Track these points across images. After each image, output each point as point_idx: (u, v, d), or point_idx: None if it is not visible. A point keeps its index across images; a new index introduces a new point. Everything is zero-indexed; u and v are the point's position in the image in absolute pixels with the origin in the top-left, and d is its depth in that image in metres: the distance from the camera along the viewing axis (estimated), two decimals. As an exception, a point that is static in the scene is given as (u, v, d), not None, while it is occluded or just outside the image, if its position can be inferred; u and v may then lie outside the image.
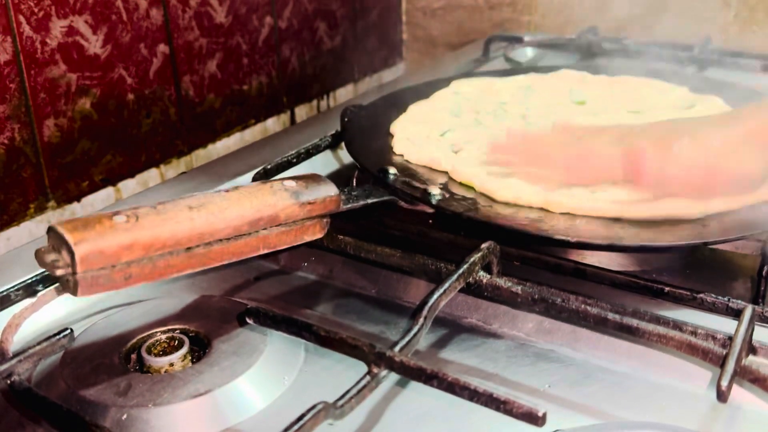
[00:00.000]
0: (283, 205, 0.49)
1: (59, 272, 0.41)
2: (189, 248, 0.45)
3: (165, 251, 0.44)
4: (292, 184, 0.50)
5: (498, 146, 0.65)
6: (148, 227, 0.43)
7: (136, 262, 0.43)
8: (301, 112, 1.06)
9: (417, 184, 0.61)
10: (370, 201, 0.58)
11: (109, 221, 0.42)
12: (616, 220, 0.57)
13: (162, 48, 0.85)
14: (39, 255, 0.42)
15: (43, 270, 0.56)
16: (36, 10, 0.72)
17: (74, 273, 0.41)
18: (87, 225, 0.42)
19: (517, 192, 0.60)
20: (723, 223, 0.56)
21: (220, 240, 0.46)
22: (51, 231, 0.42)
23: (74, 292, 0.42)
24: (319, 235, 0.52)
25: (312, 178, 0.52)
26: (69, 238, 0.41)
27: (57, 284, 0.50)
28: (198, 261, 0.46)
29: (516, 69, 0.94)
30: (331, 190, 0.52)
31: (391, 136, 0.71)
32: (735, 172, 0.54)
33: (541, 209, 0.59)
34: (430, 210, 0.61)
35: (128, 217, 0.43)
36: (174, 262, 0.45)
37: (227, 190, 0.48)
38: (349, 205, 0.55)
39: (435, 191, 0.60)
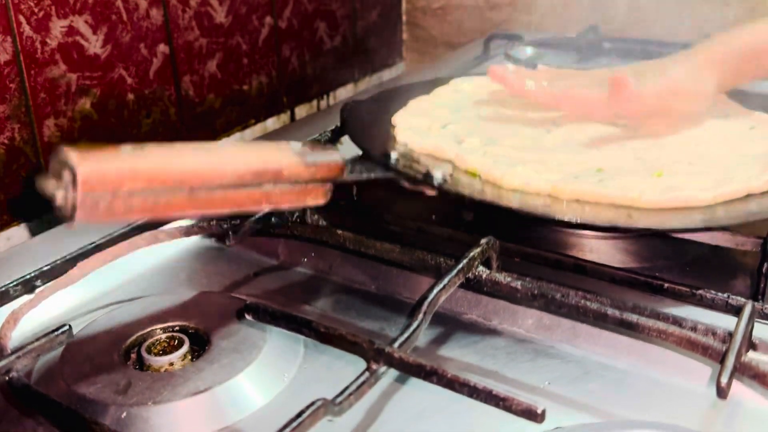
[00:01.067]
0: (288, 161, 0.48)
1: (59, 193, 0.40)
2: (192, 190, 0.44)
3: (168, 186, 0.43)
4: (298, 145, 0.50)
5: (497, 73, 0.72)
6: (154, 159, 0.43)
7: (138, 194, 0.42)
8: (301, 111, 1.06)
9: (420, 168, 0.61)
10: (373, 175, 0.58)
11: (115, 149, 0.42)
12: (625, 207, 0.56)
13: (162, 48, 0.85)
14: (39, 180, 0.41)
15: (42, 266, 0.56)
16: (36, 10, 0.72)
17: (74, 193, 0.40)
18: (92, 149, 0.41)
19: (524, 179, 0.59)
20: (731, 211, 0.56)
21: (224, 186, 0.46)
22: (56, 152, 0.41)
23: (71, 217, 0.40)
24: (321, 201, 0.52)
25: (318, 144, 0.52)
26: (72, 156, 0.39)
27: (56, 281, 0.50)
28: (200, 203, 0.45)
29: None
30: (336, 156, 0.52)
31: (393, 127, 0.71)
32: (692, 90, 0.67)
33: (549, 196, 0.58)
34: (433, 192, 0.60)
35: (134, 148, 0.42)
36: (176, 200, 0.44)
37: (234, 143, 0.48)
38: (353, 176, 0.55)
39: (438, 174, 0.60)
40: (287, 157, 0.48)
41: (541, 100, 0.71)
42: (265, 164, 0.47)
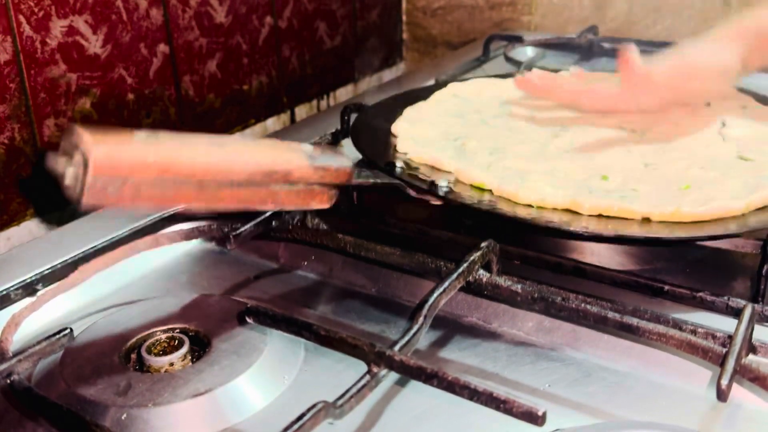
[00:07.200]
0: (298, 163, 0.48)
1: (69, 171, 0.39)
2: (201, 183, 0.44)
3: (177, 178, 0.43)
4: (309, 147, 0.50)
5: (522, 81, 0.71)
6: (167, 150, 0.42)
7: (148, 183, 0.42)
8: (301, 111, 1.06)
9: (424, 177, 0.61)
10: (379, 181, 0.58)
11: (129, 135, 0.41)
12: (646, 220, 0.55)
13: (162, 48, 0.85)
14: (50, 157, 0.40)
15: (43, 269, 0.56)
16: (36, 10, 0.72)
17: (84, 175, 0.39)
18: (107, 133, 0.40)
19: (540, 194, 0.58)
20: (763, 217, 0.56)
21: (232, 182, 0.46)
22: (68, 131, 0.40)
23: (79, 197, 0.40)
24: (325, 205, 0.52)
25: (329, 148, 0.52)
26: (87, 139, 0.39)
27: (57, 284, 0.49)
28: (207, 197, 0.45)
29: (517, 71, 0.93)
30: (345, 161, 0.52)
31: (394, 136, 0.71)
32: (709, 65, 0.62)
33: (566, 211, 0.57)
34: (438, 202, 0.60)
35: (148, 136, 0.42)
36: (184, 192, 0.44)
37: (247, 140, 0.48)
38: (359, 180, 0.55)
39: (443, 183, 0.59)
40: (297, 158, 0.49)
41: (562, 97, 0.70)
42: (275, 165, 0.47)
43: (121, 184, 0.40)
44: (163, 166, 0.42)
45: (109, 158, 0.40)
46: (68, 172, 0.39)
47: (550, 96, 0.71)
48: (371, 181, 0.57)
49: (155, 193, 0.42)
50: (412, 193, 0.61)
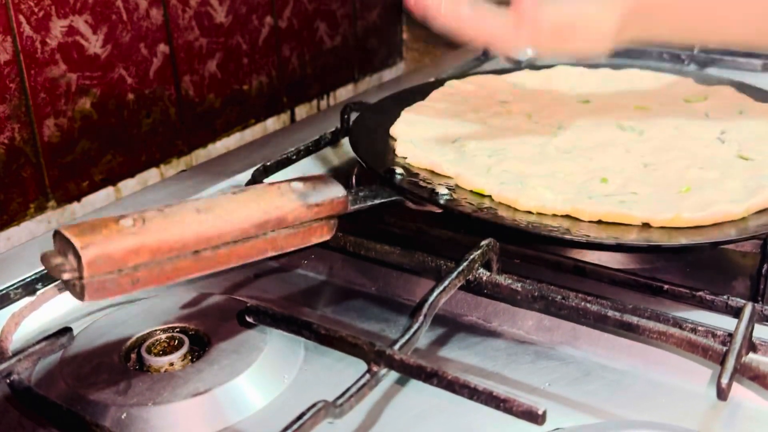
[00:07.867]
0: (290, 207, 0.48)
1: (66, 276, 0.41)
2: (196, 252, 0.45)
3: (172, 255, 0.44)
4: (299, 185, 0.49)
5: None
6: (155, 231, 0.43)
7: (143, 266, 0.43)
8: (301, 111, 1.06)
9: (424, 185, 0.61)
10: (377, 201, 0.57)
11: (116, 225, 0.42)
12: (646, 225, 0.55)
13: (162, 48, 0.85)
14: (45, 259, 0.42)
15: (43, 269, 0.56)
16: (36, 9, 0.72)
17: (81, 278, 0.41)
18: (94, 229, 0.41)
19: (540, 200, 0.57)
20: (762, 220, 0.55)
21: (228, 243, 0.46)
22: (57, 235, 0.42)
23: (81, 297, 0.41)
24: (327, 237, 0.52)
25: (319, 179, 0.51)
26: (76, 242, 0.40)
27: (58, 282, 0.50)
28: (205, 264, 0.46)
29: (515, 68, 0.93)
30: (338, 191, 0.51)
31: (394, 139, 0.70)
32: (589, 29, 0.63)
33: (566, 217, 0.56)
34: (439, 210, 0.60)
35: (135, 221, 0.43)
36: (181, 265, 0.44)
37: (234, 192, 0.48)
38: (357, 206, 0.55)
39: (443, 191, 0.59)
40: (289, 202, 0.48)
41: (449, 23, 0.65)
42: (267, 214, 0.47)
43: (117, 276, 0.42)
44: (154, 247, 0.43)
45: (100, 257, 0.41)
46: (65, 274, 0.41)
47: (438, 18, 0.65)
48: (368, 203, 0.56)
49: (153, 275, 0.43)
50: (411, 205, 0.60)
